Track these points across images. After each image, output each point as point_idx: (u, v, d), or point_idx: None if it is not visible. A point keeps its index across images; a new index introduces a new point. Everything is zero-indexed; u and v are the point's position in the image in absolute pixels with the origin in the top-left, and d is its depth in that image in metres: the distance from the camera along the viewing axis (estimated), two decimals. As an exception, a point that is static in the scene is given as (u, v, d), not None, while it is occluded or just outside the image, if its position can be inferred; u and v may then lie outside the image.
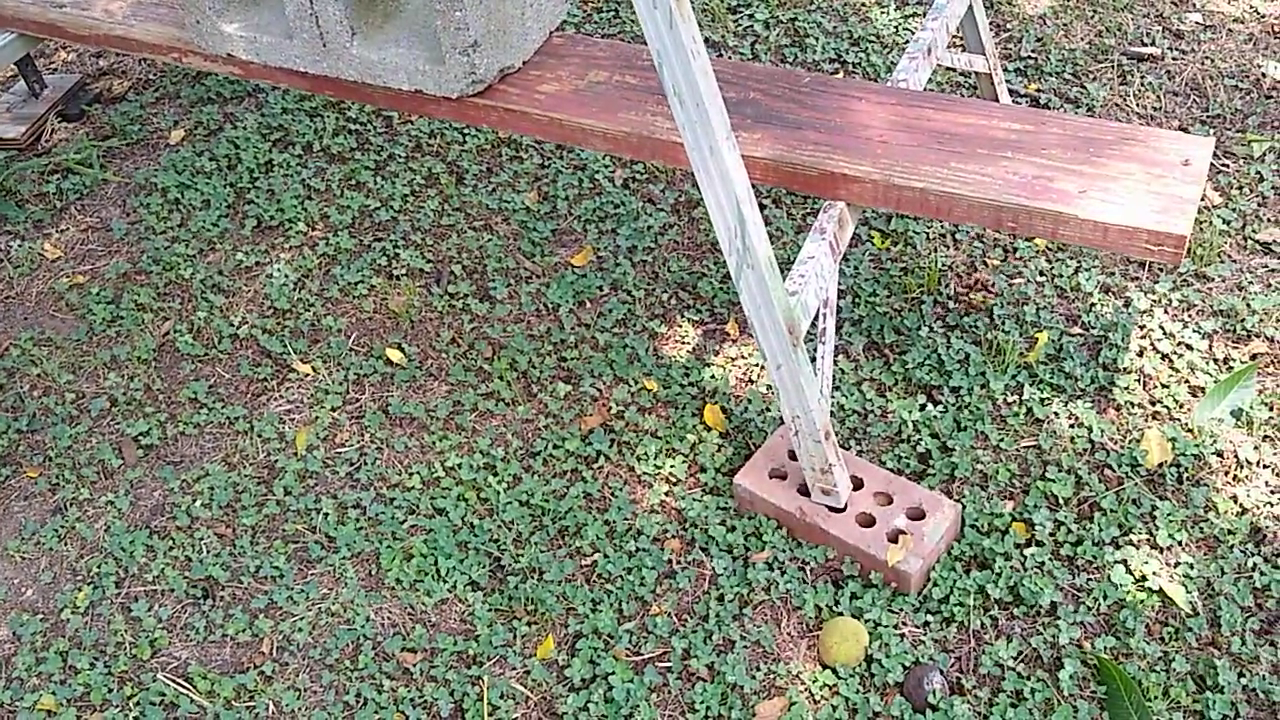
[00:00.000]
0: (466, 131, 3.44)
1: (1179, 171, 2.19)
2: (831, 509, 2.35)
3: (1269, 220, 2.90)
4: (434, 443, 2.65)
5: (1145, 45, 3.45)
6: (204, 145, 3.51)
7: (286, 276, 3.07)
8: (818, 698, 2.17)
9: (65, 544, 2.56)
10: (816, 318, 2.36)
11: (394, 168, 3.36)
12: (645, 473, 2.54)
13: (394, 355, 2.85)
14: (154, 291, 3.08)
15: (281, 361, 2.88)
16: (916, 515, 2.33)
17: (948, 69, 3.41)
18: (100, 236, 3.29)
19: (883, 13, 3.67)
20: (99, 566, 2.49)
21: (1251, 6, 3.55)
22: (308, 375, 2.84)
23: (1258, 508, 2.34)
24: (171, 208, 3.33)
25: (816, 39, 3.60)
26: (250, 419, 2.75)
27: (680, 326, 2.84)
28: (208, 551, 2.50)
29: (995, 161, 2.25)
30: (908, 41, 3.57)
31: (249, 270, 3.12)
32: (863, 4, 3.72)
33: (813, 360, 2.39)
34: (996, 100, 3.00)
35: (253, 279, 3.10)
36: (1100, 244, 2.13)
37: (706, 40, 3.68)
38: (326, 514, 2.54)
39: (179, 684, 2.29)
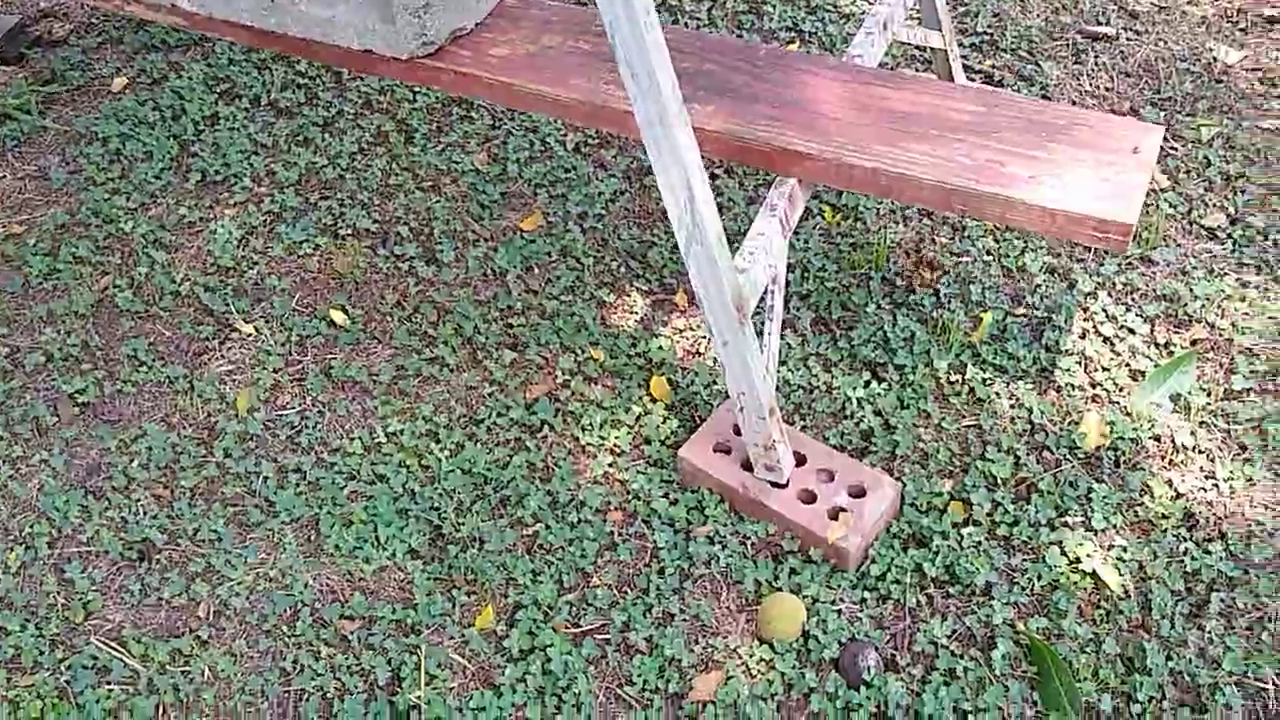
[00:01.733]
0: (417, 90, 3.39)
1: (1129, 159, 2.20)
2: (774, 485, 2.35)
3: (1214, 205, 2.93)
4: (376, 407, 2.63)
5: (1100, 25, 3.46)
6: (147, 95, 3.44)
7: (230, 233, 3.02)
8: (754, 672, 2.18)
9: (-3, 502, 2.52)
10: (765, 294, 2.36)
11: (342, 124, 3.31)
12: (589, 443, 2.53)
13: (338, 317, 2.81)
14: (93, 244, 3.02)
15: (223, 320, 2.84)
16: (857, 493, 2.34)
17: (903, 43, 3.40)
18: (38, 186, 3.22)
19: (841, -18, 3.65)
20: (31, 526, 2.46)
21: (1205, -11, 3.57)
22: (250, 335, 2.80)
23: (1192, 493, 2.38)
24: (113, 158, 3.27)
25: (773, 6, 3.58)
26: (190, 379, 2.71)
27: (629, 295, 2.83)
28: (144, 513, 2.47)
29: (947, 143, 2.25)
30: (864, 13, 3.55)
31: (192, 225, 3.06)
32: (821, -28, 3.71)
33: (760, 335, 2.39)
34: (951, 78, 2.99)
35: (195, 234, 3.04)
36: (1048, 230, 2.14)
37: (662, 4, 3.64)
38: (266, 478, 2.51)
39: (112, 647, 2.27)
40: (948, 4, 3.52)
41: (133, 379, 2.72)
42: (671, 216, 2.04)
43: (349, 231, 3.01)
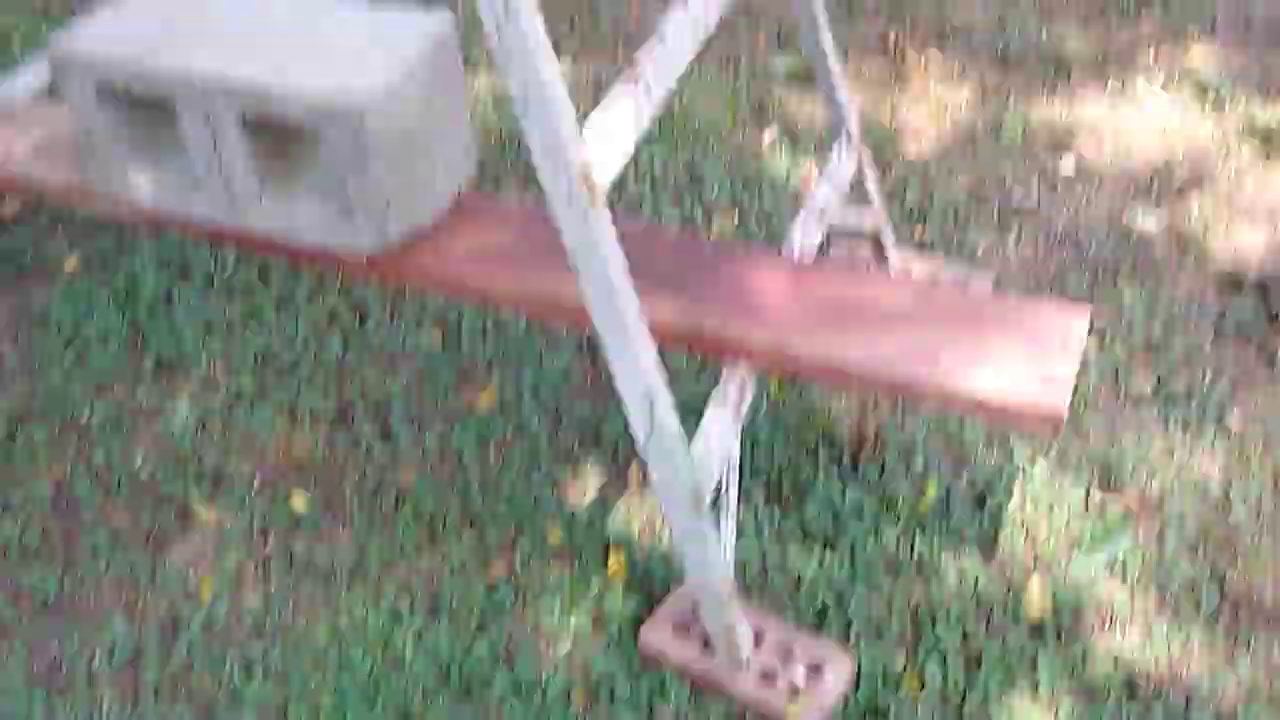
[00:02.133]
0: (370, 267, 3.48)
1: (1057, 347, 2.33)
2: (733, 664, 2.42)
3: (1140, 368, 3.08)
4: (339, 593, 2.67)
5: (1022, 197, 3.65)
6: (100, 275, 3.50)
7: (187, 418, 3.07)
8: None
9: (-42, 704, 2.51)
10: (720, 478, 2.44)
11: (296, 304, 3.38)
12: (550, 625, 2.58)
13: (298, 502, 2.86)
14: (49, 432, 3.05)
15: (184, 508, 2.87)
16: (815, 667, 2.42)
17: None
18: (-6, 372, 3.25)
19: (775, 157, 3.82)
20: (-6, 730, 2.45)
21: (1121, 156, 3.78)
22: (211, 522, 2.83)
23: (1131, 656, 2.47)
24: (67, 342, 3.31)
25: (714, 178, 3.74)
26: (153, 568, 2.74)
27: (584, 472, 2.90)
28: (109, 711, 2.47)
29: (886, 333, 2.37)
30: (798, 189, 3.72)
31: (149, 411, 3.11)
32: (756, 149, 3.88)
33: (715, 518, 2.47)
34: (884, 253, 3.15)
35: (152, 420, 3.08)
36: (984, 417, 2.26)
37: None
38: (232, 668, 2.53)
39: None
40: (878, 175, 3.70)
41: (94, 570, 2.73)
42: (629, 414, 2.13)
43: (306, 414, 3.07)
